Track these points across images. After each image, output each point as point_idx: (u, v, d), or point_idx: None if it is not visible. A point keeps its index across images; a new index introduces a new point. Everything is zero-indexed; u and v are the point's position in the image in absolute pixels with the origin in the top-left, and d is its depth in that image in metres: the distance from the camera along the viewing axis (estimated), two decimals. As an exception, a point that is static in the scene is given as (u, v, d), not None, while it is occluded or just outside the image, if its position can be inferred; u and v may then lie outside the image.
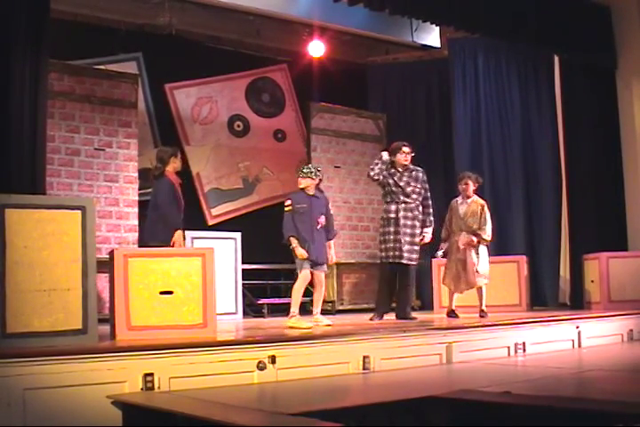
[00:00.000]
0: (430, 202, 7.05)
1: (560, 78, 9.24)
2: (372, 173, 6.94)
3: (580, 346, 6.73)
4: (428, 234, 6.96)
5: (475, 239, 7.14)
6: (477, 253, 7.17)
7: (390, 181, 6.90)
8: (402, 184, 6.89)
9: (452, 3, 7.43)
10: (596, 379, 4.92)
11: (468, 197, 7.35)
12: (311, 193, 6.31)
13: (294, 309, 6.18)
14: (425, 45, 10.38)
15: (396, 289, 6.97)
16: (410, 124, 10.47)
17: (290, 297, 6.28)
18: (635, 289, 8.02)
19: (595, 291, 8.29)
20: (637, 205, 8.89)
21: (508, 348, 6.15)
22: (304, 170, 6.34)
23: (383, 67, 10.75)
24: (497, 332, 6.17)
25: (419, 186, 6.96)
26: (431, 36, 10.29)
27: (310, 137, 9.61)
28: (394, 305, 7.05)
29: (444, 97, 10.16)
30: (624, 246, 8.77)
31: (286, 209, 6.26)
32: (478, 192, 7.50)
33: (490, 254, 9.07)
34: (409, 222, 6.83)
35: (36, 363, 4.00)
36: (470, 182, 7.35)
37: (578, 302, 8.65)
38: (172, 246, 6.15)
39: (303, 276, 6.16)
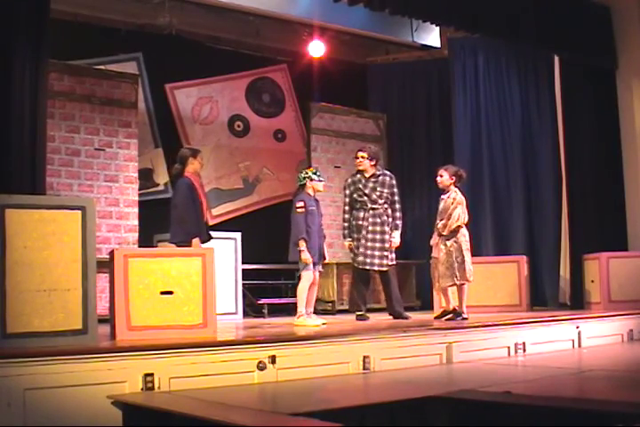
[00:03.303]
0: (398, 206, 7.11)
1: (560, 78, 9.22)
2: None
3: (580, 346, 6.74)
4: (396, 238, 7.03)
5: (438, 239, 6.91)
6: (449, 253, 6.78)
7: (358, 192, 6.99)
8: (367, 191, 6.97)
9: (451, 3, 7.43)
10: (596, 379, 4.93)
11: (446, 192, 6.93)
12: (313, 195, 6.58)
13: (301, 309, 6.39)
14: (425, 45, 10.37)
15: (368, 291, 7.25)
16: (410, 124, 10.48)
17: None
18: (635, 289, 8.02)
19: (595, 291, 8.28)
20: (637, 205, 8.89)
21: (508, 348, 6.15)
22: (317, 173, 6.62)
23: (383, 67, 10.75)
24: (497, 332, 6.17)
25: (386, 191, 7.01)
26: (431, 36, 10.28)
27: (310, 137, 9.61)
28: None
29: (444, 97, 10.15)
30: (624, 246, 8.77)
31: (299, 211, 6.44)
32: (461, 188, 7.04)
33: (489, 254, 9.05)
34: (378, 228, 6.93)
35: (36, 363, 4.00)
36: (445, 174, 6.89)
37: (578, 302, 8.64)
38: None
39: (308, 276, 6.38)
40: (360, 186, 7.00)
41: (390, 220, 7.03)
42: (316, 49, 10.12)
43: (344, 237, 7.14)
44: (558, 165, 9.34)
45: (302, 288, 6.38)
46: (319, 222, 6.57)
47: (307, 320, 6.29)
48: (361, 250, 6.90)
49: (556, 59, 9.29)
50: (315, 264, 6.43)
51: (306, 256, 6.31)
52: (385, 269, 6.94)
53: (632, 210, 8.92)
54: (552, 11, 8.22)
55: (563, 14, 8.33)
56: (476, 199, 9.19)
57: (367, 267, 6.92)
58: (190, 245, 6.07)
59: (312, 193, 6.59)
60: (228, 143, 9.82)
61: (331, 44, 10.15)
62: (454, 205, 6.80)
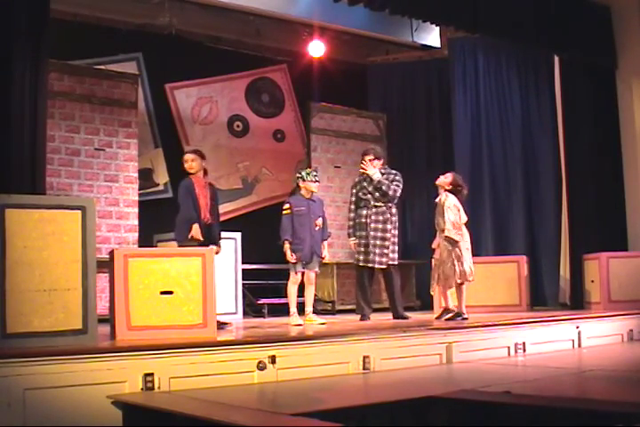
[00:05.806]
0: (391, 193, 6.91)
1: (560, 78, 9.22)
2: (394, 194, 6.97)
3: (580, 346, 6.74)
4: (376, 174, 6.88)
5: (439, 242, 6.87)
6: (448, 252, 6.72)
7: (362, 190, 6.99)
8: (370, 189, 6.97)
9: (451, 3, 7.43)
10: (596, 379, 4.93)
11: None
12: (308, 196, 6.63)
13: (292, 309, 6.59)
14: (425, 45, 10.37)
15: (370, 290, 7.16)
16: (410, 124, 10.48)
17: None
18: (635, 289, 8.02)
19: (595, 291, 8.28)
20: (637, 205, 8.89)
21: (508, 348, 6.15)
22: (311, 173, 6.64)
23: (383, 67, 10.75)
24: (497, 332, 6.17)
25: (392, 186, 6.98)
26: (431, 36, 10.28)
27: (310, 137, 9.61)
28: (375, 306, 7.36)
29: (444, 97, 10.16)
30: (624, 246, 8.77)
31: (285, 212, 6.56)
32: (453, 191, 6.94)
33: (489, 254, 9.03)
34: (380, 226, 6.93)
35: (36, 363, 4.00)
36: (449, 176, 6.93)
37: (578, 302, 8.64)
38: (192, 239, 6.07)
39: (293, 278, 6.58)
40: (365, 184, 7.01)
41: (394, 218, 7.00)
42: (316, 49, 10.11)
43: (349, 236, 7.14)
44: (558, 165, 9.34)
45: (289, 290, 6.63)
46: (312, 223, 6.54)
47: (290, 319, 6.49)
48: (363, 248, 6.92)
49: (556, 59, 9.29)
50: (305, 264, 6.51)
51: (288, 257, 6.44)
52: (384, 266, 6.93)
53: (632, 210, 8.92)
54: (552, 11, 8.22)
55: (563, 14, 8.33)
56: (476, 199, 9.19)
57: (368, 264, 6.90)
58: (195, 245, 5.99)
59: (305, 193, 6.60)
60: (227, 143, 9.82)
61: (331, 44, 10.15)
62: (443, 210, 6.75)
